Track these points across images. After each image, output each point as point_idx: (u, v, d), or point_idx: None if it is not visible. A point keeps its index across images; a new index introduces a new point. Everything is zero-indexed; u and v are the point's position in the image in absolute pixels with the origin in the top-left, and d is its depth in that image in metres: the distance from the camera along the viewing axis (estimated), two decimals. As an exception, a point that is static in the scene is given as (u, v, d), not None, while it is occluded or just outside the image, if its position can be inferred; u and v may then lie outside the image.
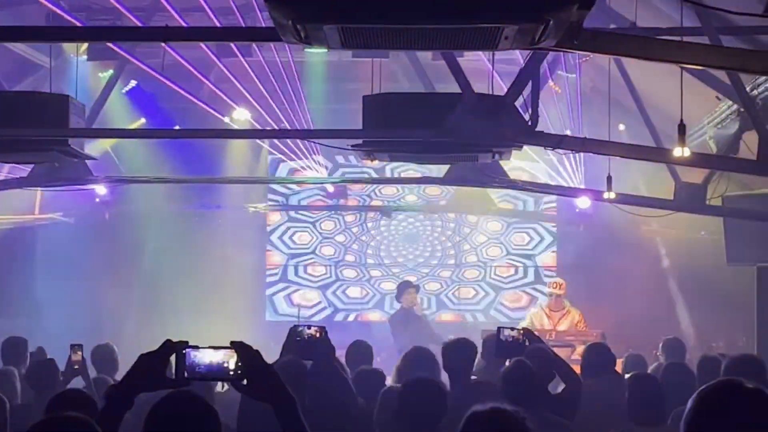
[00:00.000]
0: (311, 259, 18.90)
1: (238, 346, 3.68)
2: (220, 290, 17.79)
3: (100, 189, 14.31)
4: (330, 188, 17.77)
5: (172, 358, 3.72)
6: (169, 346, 3.70)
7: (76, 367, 8.98)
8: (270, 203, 18.81)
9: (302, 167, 15.96)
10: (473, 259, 18.78)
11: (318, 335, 7.04)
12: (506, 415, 3.71)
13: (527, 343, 8.12)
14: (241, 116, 13.72)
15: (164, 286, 17.80)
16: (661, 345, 11.13)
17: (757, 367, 6.58)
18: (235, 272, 18.15)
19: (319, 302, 18.73)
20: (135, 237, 17.95)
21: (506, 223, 18.77)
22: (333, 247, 18.91)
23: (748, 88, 10.72)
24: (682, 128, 9.08)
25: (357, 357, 9.09)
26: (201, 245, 18.03)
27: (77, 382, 8.88)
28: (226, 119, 14.55)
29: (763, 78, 10.59)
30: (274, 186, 18.65)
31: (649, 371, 9.23)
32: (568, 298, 14.49)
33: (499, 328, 8.37)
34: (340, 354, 8.43)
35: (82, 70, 13.51)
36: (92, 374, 9.27)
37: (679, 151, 9.33)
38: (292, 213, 18.89)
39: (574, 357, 11.44)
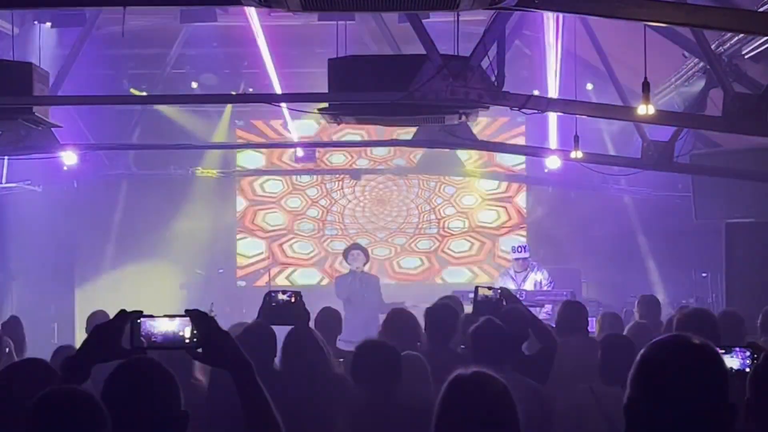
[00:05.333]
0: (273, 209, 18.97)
1: (193, 314, 3.67)
2: (193, 256, 17.77)
3: (69, 158, 14.16)
4: (300, 152, 17.72)
5: (128, 327, 3.71)
6: (123, 316, 3.69)
7: None
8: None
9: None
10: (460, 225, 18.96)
11: (293, 300, 7.03)
12: (489, 379, 3.71)
13: (504, 303, 8.11)
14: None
15: (135, 253, 17.77)
16: (637, 302, 11.16)
17: (707, 321, 6.57)
18: (206, 237, 18.15)
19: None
20: (106, 204, 17.89)
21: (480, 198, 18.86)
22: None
23: (713, 45, 10.73)
24: (646, 86, 9.06)
25: (326, 324, 9.08)
26: (172, 211, 17.97)
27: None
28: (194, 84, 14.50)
29: (728, 34, 10.61)
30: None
31: (625, 330, 9.24)
32: (535, 259, 14.57)
33: (476, 287, 8.36)
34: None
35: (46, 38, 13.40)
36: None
37: (644, 109, 9.32)
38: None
39: (541, 316, 11.50)
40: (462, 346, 8.20)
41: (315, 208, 18.95)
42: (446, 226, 18.90)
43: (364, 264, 14.76)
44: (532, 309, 8.98)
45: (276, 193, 19.01)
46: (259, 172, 18.94)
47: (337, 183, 18.95)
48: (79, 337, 9.79)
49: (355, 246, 15.31)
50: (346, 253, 15.03)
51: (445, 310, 8.31)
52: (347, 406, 6.55)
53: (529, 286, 13.99)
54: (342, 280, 14.74)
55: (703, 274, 14.36)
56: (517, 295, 11.62)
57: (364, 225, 18.88)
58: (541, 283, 14.12)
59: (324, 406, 6.58)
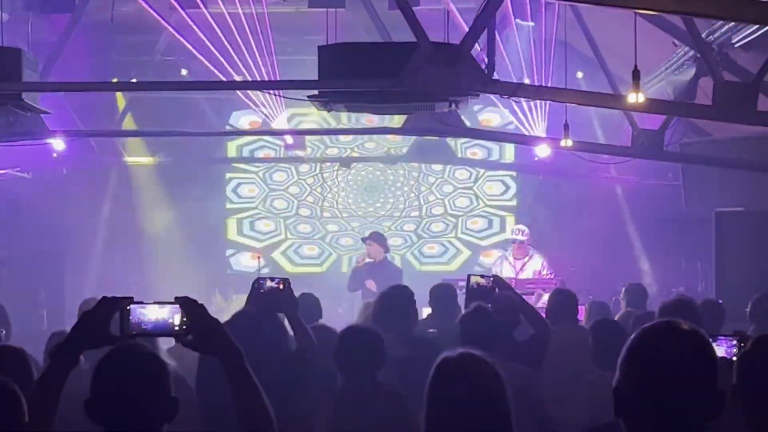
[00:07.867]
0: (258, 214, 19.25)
1: (182, 302, 3.67)
2: (180, 243, 17.74)
3: (58, 144, 14.15)
4: (289, 140, 17.67)
5: (117, 314, 3.70)
6: (112, 303, 3.68)
7: None
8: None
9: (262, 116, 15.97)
10: (440, 210, 19.13)
11: (281, 287, 7.00)
12: (476, 360, 3.71)
13: (497, 291, 8.12)
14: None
15: (124, 240, 17.74)
16: (623, 290, 11.18)
17: (688, 310, 6.60)
18: (195, 226, 18.12)
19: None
20: (95, 192, 17.85)
21: (475, 171, 19.02)
22: (285, 200, 19.23)
23: (703, 34, 10.74)
24: (636, 74, 9.07)
25: (306, 311, 9.07)
26: (159, 199, 17.93)
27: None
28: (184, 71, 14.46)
29: (719, 23, 10.61)
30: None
31: (615, 318, 9.27)
32: (531, 244, 14.51)
33: (468, 275, 8.38)
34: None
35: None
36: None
37: (634, 97, 9.33)
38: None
39: (539, 305, 11.49)
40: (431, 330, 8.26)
41: (313, 195, 19.21)
42: (428, 211, 19.19)
43: (383, 254, 14.61)
44: (525, 297, 9.02)
45: (282, 182, 19.26)
46: (242, 160, 19.06)
47: (333, 173, 19.09)
48: (69, 324, 9.75)
49: (368, 236, 15.12)
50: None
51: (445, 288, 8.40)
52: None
53: (528, 274, 13.90)
54: (354, 273, 14.64)
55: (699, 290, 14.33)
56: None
57: (356, 210, 19.01)
58: (540, 272, 14.02)
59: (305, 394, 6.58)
